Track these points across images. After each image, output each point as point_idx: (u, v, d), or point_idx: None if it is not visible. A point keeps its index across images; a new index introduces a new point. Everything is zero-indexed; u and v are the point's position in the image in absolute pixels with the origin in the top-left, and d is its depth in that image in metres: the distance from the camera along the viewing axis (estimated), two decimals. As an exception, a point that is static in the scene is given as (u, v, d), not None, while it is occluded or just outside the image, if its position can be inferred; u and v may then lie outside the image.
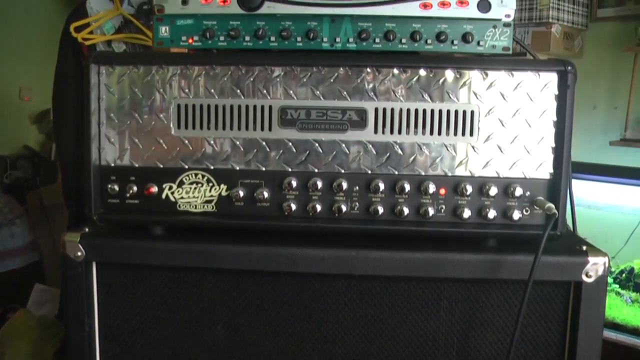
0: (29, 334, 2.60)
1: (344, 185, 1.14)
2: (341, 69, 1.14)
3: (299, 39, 1.17)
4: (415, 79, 1.13)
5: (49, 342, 2.55)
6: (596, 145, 2.90)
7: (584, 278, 1.12)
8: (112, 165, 1.19)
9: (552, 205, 1.10)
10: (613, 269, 2.25)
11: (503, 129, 1.13)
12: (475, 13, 1.15)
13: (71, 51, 2.52)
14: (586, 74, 2.86)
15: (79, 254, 1.18)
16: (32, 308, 3.04)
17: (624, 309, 2.22)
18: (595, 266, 1.12)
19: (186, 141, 1.17)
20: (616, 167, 2.33)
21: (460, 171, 1.14)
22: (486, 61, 1.14)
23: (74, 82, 2.47)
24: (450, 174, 1.14)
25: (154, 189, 1.17)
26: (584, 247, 1.15)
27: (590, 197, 2.31)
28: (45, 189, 3.95)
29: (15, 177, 4.43)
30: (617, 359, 2.14)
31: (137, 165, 1.18)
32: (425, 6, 1.15)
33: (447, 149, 1.14)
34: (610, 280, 2.23)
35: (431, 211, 1.14)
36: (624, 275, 2.26)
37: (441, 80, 1.13)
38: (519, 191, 1.13)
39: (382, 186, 1.14)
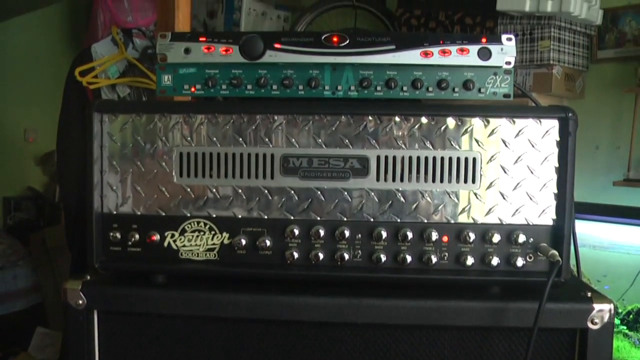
0: (30, 379, 2.58)
1: (347, 233, 1.13)
2: (343, 117, 1.14)
3: (300, 87, 1.18)
4: (417, 126, 1.14)
5: (50, 388, 2.53)
6: (599, 185, 2.89)
7: (590, 325, 1.11)
8: (114, 212, 1.19)
9: (556, 252, 1.09)
10: (620, 310, 2.22)
11: (505, 176, 1.13)
12: (476, 61, 1.16)
13: (76, 95, 2.55)
14: (588, 114, 2.87)
15: (80, 302, 1.17)
16: (34, 352, 3.02)
17: (632, 350, 2.19)
18: (600, 313, 1.11)
19: (188, 189, 1.17)
20: (620, 207, 2.32)
21: (462, 218, 1.14)
22: (487, 108, 1.14)
23: (78, 125, 2.49)
24: (452, 221, 1.14)
25: (156, 237, 1.17)
26: (589, 294, 1.14)
27: (595, 238, 2.29)
28: (49, 230, 3.96)
29: (19, 219, 4.43)
30: (626, 403, 2.11)
31: (139, 213, 1.18)
32: (426, 54, 1.16)
33: (450, 196, 1.14)
34: (617, 321, 2.20)
35: (434, 259, 1.13)
36: (631, 316, 2.23)
37: (443, 128, 1.13)
38: (522, 238, 1.12)
39: (384, 234, 1.13)
